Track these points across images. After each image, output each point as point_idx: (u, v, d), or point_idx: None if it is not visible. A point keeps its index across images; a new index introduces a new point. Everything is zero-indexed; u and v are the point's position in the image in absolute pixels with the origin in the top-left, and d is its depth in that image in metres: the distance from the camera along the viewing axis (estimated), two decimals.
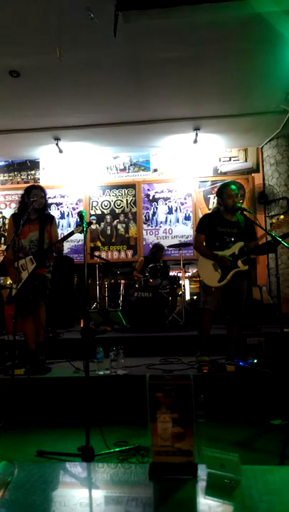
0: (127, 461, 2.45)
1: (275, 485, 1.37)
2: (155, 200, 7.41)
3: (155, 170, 7.51)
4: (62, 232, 7.03)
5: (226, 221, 3.84)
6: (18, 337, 3.80)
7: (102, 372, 3.62)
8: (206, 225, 3.91)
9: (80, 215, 3.03)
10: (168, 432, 1.35)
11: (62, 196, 7.58)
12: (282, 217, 3.64)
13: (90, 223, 3.06)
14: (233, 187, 3.82)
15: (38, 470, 1.57)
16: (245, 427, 3.04)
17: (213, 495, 1.26)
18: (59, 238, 4.00)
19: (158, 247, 6.42)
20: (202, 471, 1.35)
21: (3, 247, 7.28)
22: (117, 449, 2.59)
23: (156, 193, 7.42)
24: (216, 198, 4.05)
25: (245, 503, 1.24)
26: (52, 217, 4.14)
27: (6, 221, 7.34)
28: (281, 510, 1.21)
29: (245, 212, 3.90)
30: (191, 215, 7.29)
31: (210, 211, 4.37)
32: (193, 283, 6.41)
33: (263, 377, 3.41)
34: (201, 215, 4.28)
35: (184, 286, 6.09)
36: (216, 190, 4.23)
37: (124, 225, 7.45)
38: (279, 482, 1.39)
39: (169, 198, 7.38)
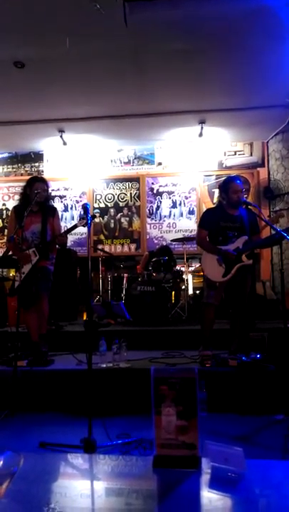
0: (129, 453, 2.46)
1: (278, 479, 1.37)
2: (159, 193, 7.39)
3: (159, 163, 7.48)
4: (65, 224, 7.01)
5: (228, 216, 3.81)
6: (21, 329, 3.80)
7: (104, 365, 3.63)
8: (208, 220, 3.89)
9: (85, 208, 3.02)
10: (172, 424, 1.35)
11: (66, 189, 7.56)
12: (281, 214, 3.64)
13: (93, 216, 3.04)
14: (238, 182, 3.79)
15: (41, 461, 1.58)
16: (248, 421, 3.04)
17: (216, 488, 1.26)
18: (62, 230, 3.99)
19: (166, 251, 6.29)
20: (206, 465, 1.35)
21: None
22: (119, 442, 2.60)
23: (160, 186, 7.39)
24: (220, 191, 4.02)
25: (248, 497, 1.24)
26: (54, 209, 4.13)
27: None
28: (283, 504, 1.21)
29: (250, 207, 3.87)
30: (195, 209, 7.27)
31: (214, 205, 4.35)
32: (196, 277, 6.40)
33: (266, 372, 3.40)
34: (205, 210, 4.26)
35: (187, 280, 6.09)
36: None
37: (127, 219, 7.43)
38: (281, 476, 1.40)
39: (173, 192, 7.35)
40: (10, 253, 4.18)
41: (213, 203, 7.08)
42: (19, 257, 3.80)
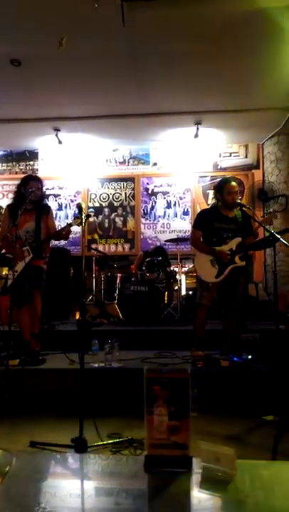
0: (119, 453, 2.46)
1: (268, 479, 1.38)
2: (154, 194, 7.39)
3: (155, 164, 7.48)
4: (59, 223, 6.98)
5: (223, 217, 3.83)
6: (13, 328, 3.78)
7: (96, 365, 3.62)
8: (202, 221, 3.90)
9: (79, 207, 3.02)
10: (164, 424, 1.35)
11: (61, 188, 7.54)
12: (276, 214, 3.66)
13: (88, 216, 3.04)
14: (234, 183, 3.81)
15: (32, 460, 1.57)
16: (238, 422, 3.05)
17: (207, 488, 1.26)
18: (57, 229, 3.99)
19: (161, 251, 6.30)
20: (197, 465, 1.36)
21: None
22: (110, 441, 2.59)
23: (155, 186, 7.40)
24: (215, 192, 4.03)
25: (238, 497, 1.25)
26: (48, 208, 4.12)
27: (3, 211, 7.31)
28: (273, 505, 1.22)
29: (244, 209, 3.88)
30: (189, 209, 7.28)
31: (209, 206, 4.36)
32: (189, 278, 6.41)
33: (257, 373, 3.42)
34: (199, 210, 4.27)
35: (180, 281, 6.10)
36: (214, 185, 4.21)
37: (122, 219, 7.43)
38: (271, 477, 1.40)
39: (168, 193, 7.36)
40: (3, 251, 4.15)
41: (208, 204, 7.10)
42: (13, 254, 3.78)
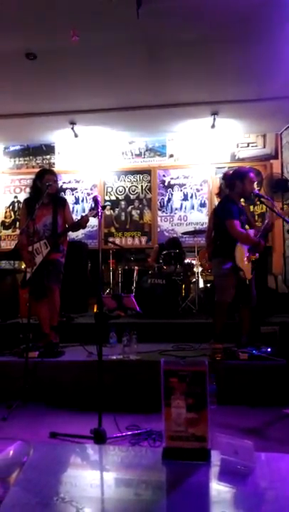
0: (138, 444, 2.48)
1: (288, 472, 1.36)
2: (170, 186, 7.35)
3: (171, 155, 7.43)
4: (76, 217, 7.01)
5: (240, 208, 3.77)
6: (33, 320, 3.83)
7: (114, 357, 3.64)
8: (236, 211, 3.69)
9: (95, 199, 3.03)
10: (182, 417, 1.35)
11: (77, 181, 7.56)
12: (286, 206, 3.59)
13: (104, 207, 3.04)
14: (252, 175, 3.75)
15: (52, 451, 1.59)
16: (258, 414, 3.04)
17: (225, 480, 1.26)
18: (74, 220, 4.02)
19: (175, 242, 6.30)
20: (215, 457, 1.35)
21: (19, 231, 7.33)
22: (129, 433, 2.61)
23: (171, 179, 7.35)
24: (232, 181, 3.79)
25: (257, 490, 1.24)
26: (64, 201, 4.14)
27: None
28: None
29: (262, 199, 3.82)
30: (206, 201, 7.22)
31: (219, 196, 4.12)
32: (205, 271, 6.35)
33: (276, 366, 3.39)
34: (216, 203, 4.10)
35: (197, 273, 6.07)
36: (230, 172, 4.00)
37: (138, 211, 7.42)
38: None
39: (185, 185, 7.30)
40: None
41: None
42: (24, 256, 3.88)
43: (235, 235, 3.63)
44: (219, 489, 1.25)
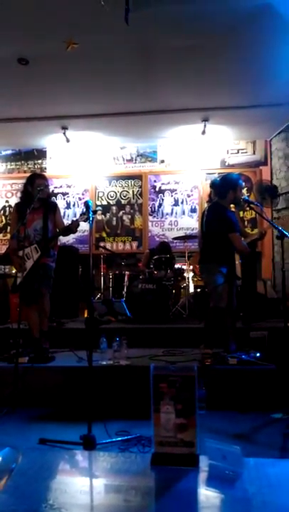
0: (128, 450, 2.47)
1: (276, 478, 1.38)
2: (161, 191, 7.38)
3: (162, 161, 7.46)
4: (67, 222, 7.00)
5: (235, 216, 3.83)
6: (23, 326, 3.81)
7: (105, 363, 3.64)
8: (236, 221, 3.73)
9: (87, 204, 3.04)
10: (171, 422, 1.35)
11: (69, 186, 7.56)
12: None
13: (95, 211, 3.05)
14: (242, 182, 3.82)
15: (41, 457, 1.59)
16: (247, 419, 3.05)
17: (214, 486, 1.27)
18: (65, 225, 4.02)
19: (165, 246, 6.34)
20: (204, 463, 1.36)
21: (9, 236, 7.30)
22: (119, 439, 2.60)
23: (162, 184, 7.38)
24: (224, 189, 3.78)
25: (245, 495, 1.25)
26: (55, 205, 4.15)
27: None
28: (281, 503, 1.21)
29: (252, 205, 3.86)
30: (197, 207, 7.26)
31: (208, 204, 4.13)
32: (197, 275, 6.38)
33: (266, 371, 3.41)
34: (207, 208, 4.08)
35: (188, 278, 6.09)
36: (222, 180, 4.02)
37: (129, 216, 7.43)
38: (279, 475, 1.40)
39: (176, 190, 7.34)
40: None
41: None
42: (14, 261, 3.88)
43: (239, 248, 3.65)
44: (208, 494, 1.26)
